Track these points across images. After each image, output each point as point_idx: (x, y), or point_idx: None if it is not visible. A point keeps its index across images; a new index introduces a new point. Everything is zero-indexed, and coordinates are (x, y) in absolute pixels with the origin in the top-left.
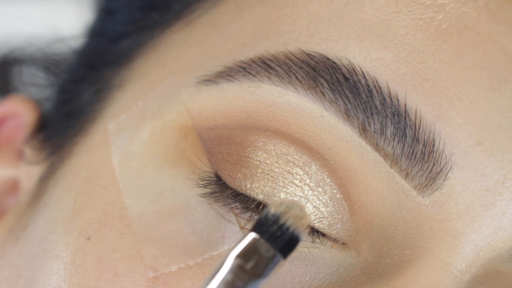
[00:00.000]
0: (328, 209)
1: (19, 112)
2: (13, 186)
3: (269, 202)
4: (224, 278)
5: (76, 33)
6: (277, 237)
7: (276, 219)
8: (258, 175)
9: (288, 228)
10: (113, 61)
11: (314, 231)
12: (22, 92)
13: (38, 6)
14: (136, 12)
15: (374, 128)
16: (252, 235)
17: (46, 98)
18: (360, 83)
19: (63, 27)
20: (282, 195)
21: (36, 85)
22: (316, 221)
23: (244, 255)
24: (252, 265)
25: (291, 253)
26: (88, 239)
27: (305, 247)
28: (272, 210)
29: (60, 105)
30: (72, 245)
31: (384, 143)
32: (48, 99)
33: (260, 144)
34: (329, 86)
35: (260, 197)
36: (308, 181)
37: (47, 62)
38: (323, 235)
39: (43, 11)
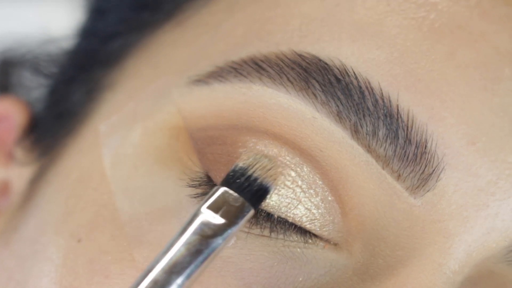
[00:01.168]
0: (319, 210)
1: (10, 113)
2: (4, 188)
3: None
4: (195, 229)
5: (67, 34)
6: (245, 188)
7: (243, 171)
8: None
9: (256, 179)
10: (104, 61)
11: (306, 232)
12: (12, 93)
13: (29, 7)
14: (127, 12)
15: (366, 129)
16: (221, 189)
17: (37, 99)
18: (352, 84)
19: (54, 28)
20: (274, 197)
21: (27, 86)
22: (308, 222)
23: (213, 206)
24: (221, 215)
25: (261, 203)
26: (79, 241)
27: (298, 248)
28: (239, 163)
29: (51, 106)
30: (63, 247)
31: (376, 144)
32: (39, 100)
33: (251, 145)
34: (321, 87)
35: None
36: (299, 182)
37: (38, 63)
38: (315, 236)
39: (34, 12)
